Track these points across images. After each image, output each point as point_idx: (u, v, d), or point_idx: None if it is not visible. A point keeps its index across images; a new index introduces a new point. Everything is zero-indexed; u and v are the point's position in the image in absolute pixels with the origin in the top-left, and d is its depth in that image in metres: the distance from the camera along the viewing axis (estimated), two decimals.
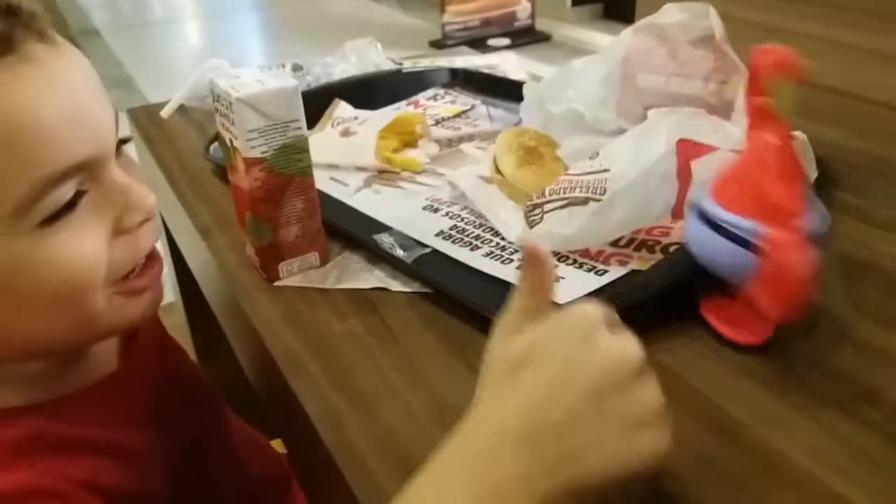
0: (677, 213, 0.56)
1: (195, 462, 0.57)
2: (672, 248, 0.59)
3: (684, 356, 0.49)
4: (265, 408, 0.61)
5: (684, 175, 0.52)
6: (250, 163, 0.55)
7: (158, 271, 0.49)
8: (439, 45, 3.66)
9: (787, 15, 0.74)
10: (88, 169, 0.42)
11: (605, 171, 0.56)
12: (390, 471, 0.42)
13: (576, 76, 0.71)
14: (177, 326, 1.03)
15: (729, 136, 0.54)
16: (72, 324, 0.44)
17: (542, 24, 3.93)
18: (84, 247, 0.42)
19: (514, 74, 1.06)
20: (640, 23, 0.67)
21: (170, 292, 1.05)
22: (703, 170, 0.50)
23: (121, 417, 0.50)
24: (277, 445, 0.76)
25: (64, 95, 0.41)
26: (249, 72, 0.58)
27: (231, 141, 0.57)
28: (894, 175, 0.69)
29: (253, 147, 0.55)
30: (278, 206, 0.58)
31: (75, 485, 0.42)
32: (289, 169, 0.57)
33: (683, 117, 0.55)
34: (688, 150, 0.51)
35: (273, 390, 0.54)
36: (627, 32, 0.67)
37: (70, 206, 0.41)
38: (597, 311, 0.35)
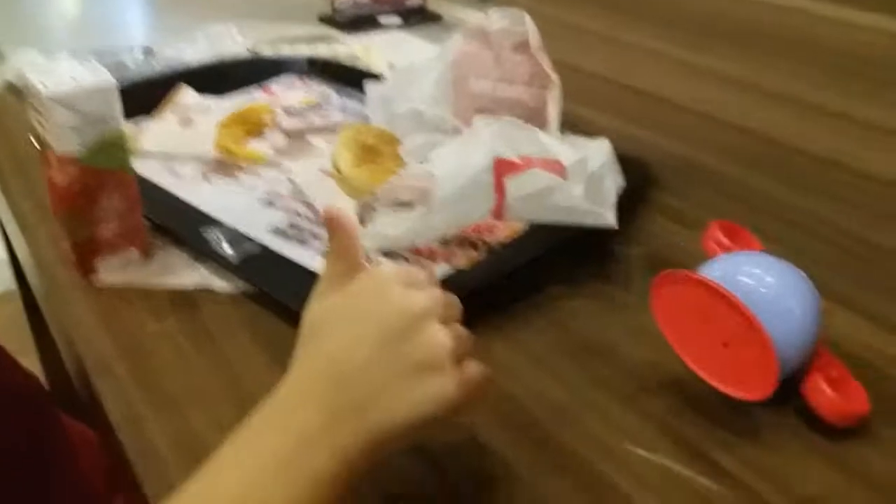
0: (497, 215, 0.59)
1: (30, 465, 0.56)
2: (496, 247, 0.62)
3: (490, 355, 0.52)
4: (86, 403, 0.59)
5: (500, 187, 0.55)
6: (63, 160, 0.54)
7: None
8: (328, 20, 3.60)
9: (617, 25, 0.78)
10: None
11: (431, 175, 0.58)
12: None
13: (416, 76, 0.72)
14: (14, 315, 0.98)
15: (543, 145, 0.57)
16: None
17: (433, 5, 3.96)
18: None
19: (377, 66, 1.06)
20: (467, 27, 0.69)
21: (8, 280, 1.00)
22: (516, 186, 0.54)
23: None
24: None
25: None
26: (65, 65, 0.55)
27: (45, 137, 0.55)
28: (709, 179, 0.75)
29: (66, 144, 0.53)
30: (94, 202, 0.56)
31: None
32: (106, 165, 0.55)
33: (503, 127, 0.57)
34: (503, 167, 0.54)
35: (84, 391, 0.53)
36: (458, 36, 0.69)
37: None
38: (391, 270, 0.39)
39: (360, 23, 2.91)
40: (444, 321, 0.37)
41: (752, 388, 0.44)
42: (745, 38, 0.69)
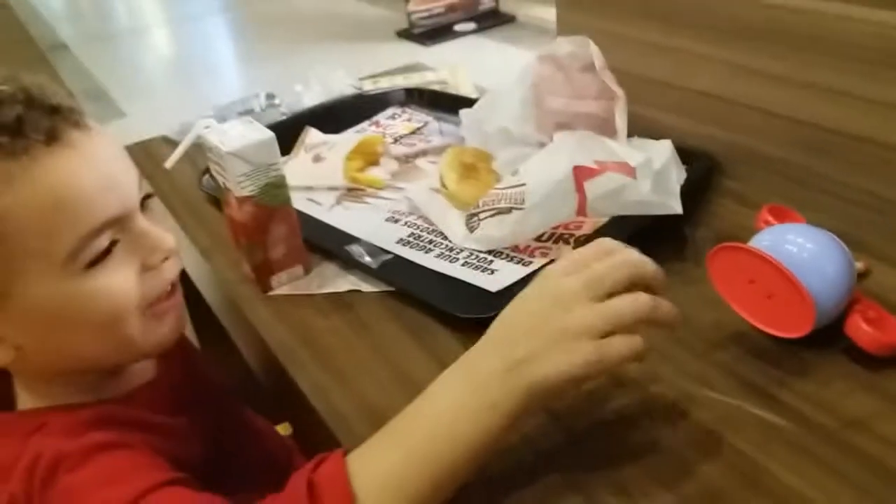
0: (580, 213, 0.71)
1: (220, 442, 0.70)
2: (583, 238, 0.75)
3: None
4: (269, 392, 0.76)
5: (581, 189, 0.68)
6: (241, 200, 0.70)
7: (180, 299, 0.62)
8: (406, 34, 3.76)
9: (668, 34, 0.88)
10: (119, 223, 0.55)
11: (523, 185, 0.72)
12: (370, 428, 0.52)
13: (501, 100, 0.86)
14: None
15: (614, 151, 0.69)
16: (114, 344, 0.57)
17: (506, 6, 4.05)
18: (120, 282, 0.55)
19: (464, 87, 1.20)
20: (540, 53, 0.82)
21: None
22: (594, 187, 0.67)
23: (161, 409, 0.63)
24: (281, 429, 0.90)
25: (97, 170, 0.54)
26: (233, 126, 0.72)
27: (224, 184, 0.72)
28: (765, 164, 0.84)
29: (243, 188, 0.70)
30: (266, 232, 0.72)
31: (138, 443, 0.55)
32: (272, 202, 0.72)
33: (579, 139, 0.70)
34: (582, 173, 0.67)
35: (274, 376, 0.69)
36: (533, 62, 0.83)
37: (107, 252, 0.54)
38: (555, 265, 0.52)
39: (437, 33, 3.03)
40: (601, 297, 0.49)
41: (794, 327, 0.56)
42: (786, 40, 0.78)
